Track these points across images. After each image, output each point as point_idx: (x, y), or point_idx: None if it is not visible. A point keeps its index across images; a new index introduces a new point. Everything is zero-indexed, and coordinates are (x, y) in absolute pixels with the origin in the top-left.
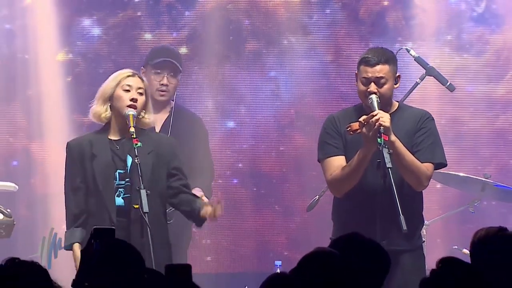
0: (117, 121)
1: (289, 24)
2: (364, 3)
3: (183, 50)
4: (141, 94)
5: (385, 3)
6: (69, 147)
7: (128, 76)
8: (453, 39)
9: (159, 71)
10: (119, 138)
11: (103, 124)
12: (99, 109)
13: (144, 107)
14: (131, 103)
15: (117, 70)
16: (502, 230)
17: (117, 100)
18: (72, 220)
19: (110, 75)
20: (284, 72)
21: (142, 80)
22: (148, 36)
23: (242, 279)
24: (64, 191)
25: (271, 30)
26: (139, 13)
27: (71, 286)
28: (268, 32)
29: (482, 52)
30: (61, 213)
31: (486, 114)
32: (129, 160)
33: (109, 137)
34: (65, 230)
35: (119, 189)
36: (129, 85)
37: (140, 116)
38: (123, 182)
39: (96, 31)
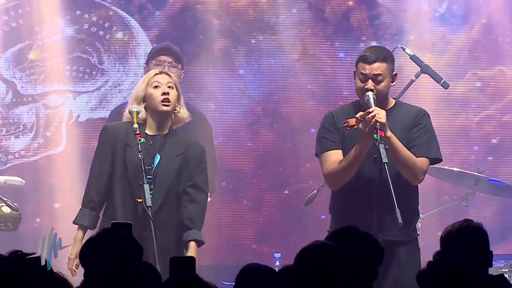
0: (154, 118)
1: (257, 23)
2: (330, 4)
3: (132, 48)
4: (171, 87)
5: (350, 3)
6: (106, 130)
7: (156, 74)
8: (416, 39)
9: (159, 63)
10: (154, 134)
11: None
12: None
13: (178, 101)
14: (164, 97)
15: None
16: (466, 221)
17: (150, 99)
18: (88, 202)
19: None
20: (252, 70)
21: (170, 76)
22: (119, 35)
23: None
24: (90, 168)
25: (240, 30)
26: (110, 13)
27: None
28: (236, 31)
29: (443, 52)
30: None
31: (447, 112)
32: (157, 158)
33: (145, 131)
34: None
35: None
36: (157, 82)
37: (176, 111)
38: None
39: (69, 30)
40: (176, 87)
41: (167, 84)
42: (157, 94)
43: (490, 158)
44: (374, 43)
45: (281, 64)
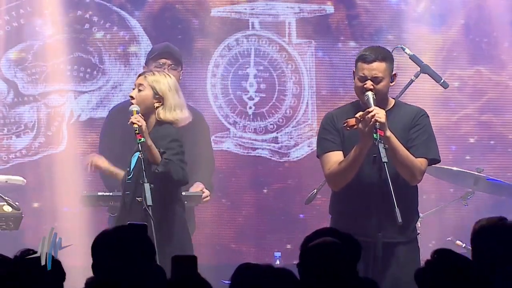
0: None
1: (236, 23)
2: (309, 3)
3: (133, 48)
4: (141, 90)
5: (329, 3)
6: None
7: (137, 77)
8: (394, 39)
9: (159, 66)
10: None
11: None
12: None
13: (159, 102)
14: (131, 100)
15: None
16: (502, 219)
17: None
18: None
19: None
20: (231, 70)
21: (145, 77)
22: (99, 35)
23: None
24: None
25: (219, 29)
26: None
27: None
28: (215, 31)
29: (422, 52)
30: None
31: (427, 111)
32: (134, 158)
33: None
34: None
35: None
36: (134, 85)
37: (158, 112)
38: (127, 180)
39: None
40: (153, 88)
41: (138, 87)
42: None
43: (468, 157)
44: (352, 43)
45: (260, 64)
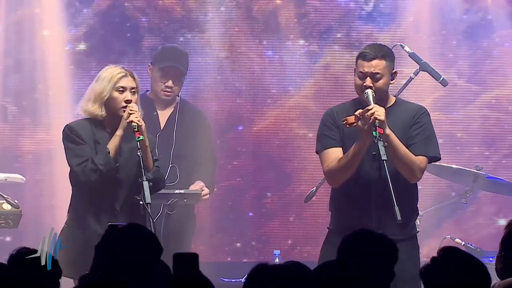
0: (111, 118)
1: (185, 21)
2: (258, 2)
3: (81, 46)
4: (134, 93)
5: (278, 1)
6: (72, 128)
7: (122, 76)
8: (343, 37)
9: (165, 73)
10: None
11: None
12: (95, 110)
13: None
14: (126, 104)
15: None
16: None
17: (112, 101)
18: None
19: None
20: None
21: (134, 78)
22: (46, 32)
23: None
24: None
25: (168, 27)
26: (37, 10)
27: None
28: (164, 29)
29: None
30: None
31: None
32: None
33: (106, 130)
34: None
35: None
36: (122, 87)
37: None
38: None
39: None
40: (137, 90)
41: (130, 90)
42: (121, 100)
43: None
44: (302, 42)
45: (209, 62)
